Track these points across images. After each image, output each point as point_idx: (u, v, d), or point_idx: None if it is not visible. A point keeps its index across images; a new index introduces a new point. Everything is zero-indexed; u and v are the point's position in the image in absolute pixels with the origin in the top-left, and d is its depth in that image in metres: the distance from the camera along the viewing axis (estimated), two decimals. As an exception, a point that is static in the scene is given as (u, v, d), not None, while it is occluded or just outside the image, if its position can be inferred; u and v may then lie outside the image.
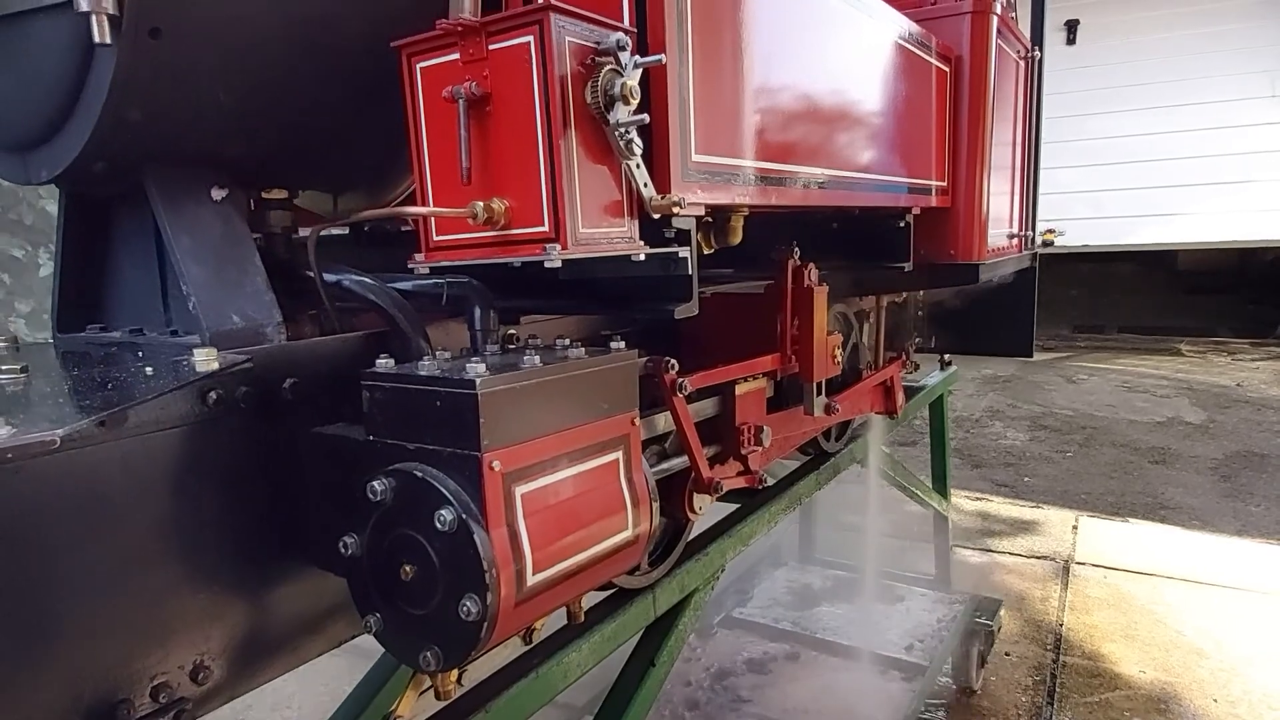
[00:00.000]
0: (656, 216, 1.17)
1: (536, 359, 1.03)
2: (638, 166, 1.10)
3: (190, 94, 1.13)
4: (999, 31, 2.59)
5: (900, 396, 2.74)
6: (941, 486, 4.03)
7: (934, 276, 2.54)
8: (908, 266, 2.23)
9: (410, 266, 1.18)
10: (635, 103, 1.04)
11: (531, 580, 1.00)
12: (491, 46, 1.00)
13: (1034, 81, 3.09)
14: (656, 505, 1.25)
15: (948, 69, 2.40)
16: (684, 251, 1.26)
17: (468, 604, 0.94)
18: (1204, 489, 6.65)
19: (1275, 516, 6.01)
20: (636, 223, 1.20)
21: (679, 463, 1.60)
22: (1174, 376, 10.10)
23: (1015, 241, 3.05)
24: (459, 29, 1.00)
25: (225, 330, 1.13)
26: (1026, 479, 6.90)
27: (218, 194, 1.19)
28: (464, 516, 0.94)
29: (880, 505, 3.96)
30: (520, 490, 0.99)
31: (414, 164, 1.13)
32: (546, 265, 1.03)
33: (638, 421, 1.20)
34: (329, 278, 1.26)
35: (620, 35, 1.05)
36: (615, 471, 1.15)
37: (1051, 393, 9.68)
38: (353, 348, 1.22)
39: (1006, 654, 4.09)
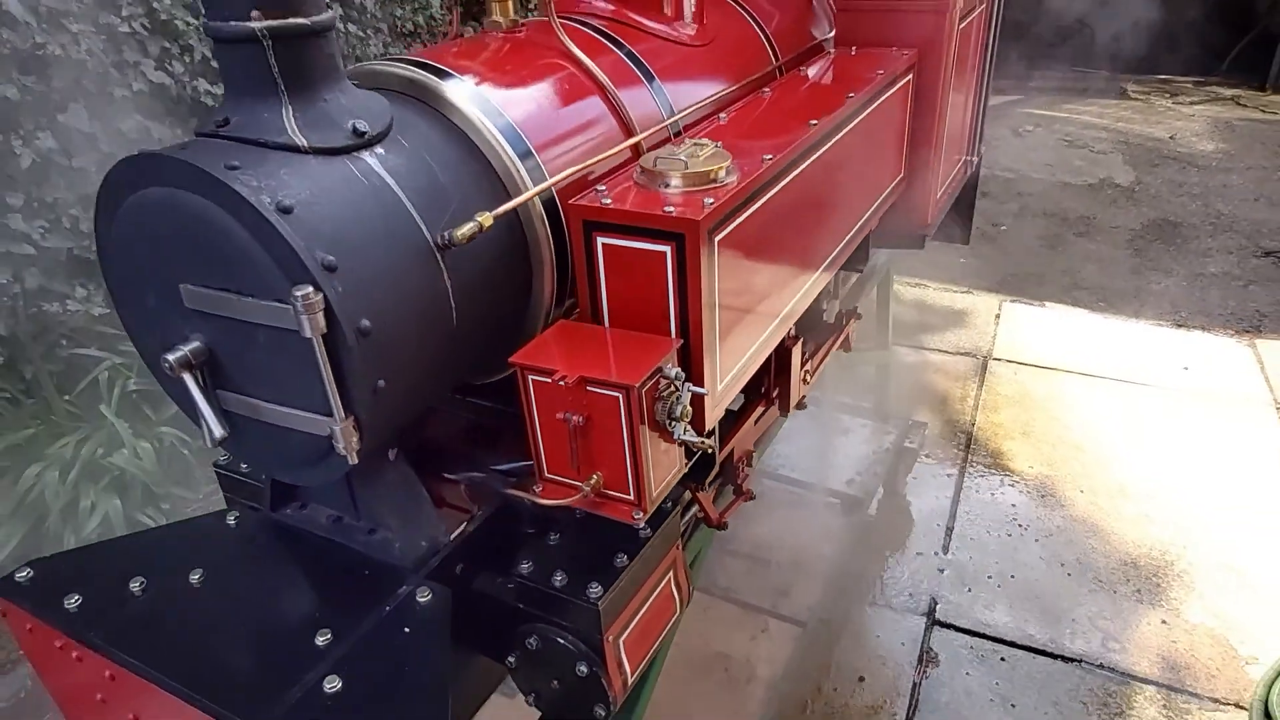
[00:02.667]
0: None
1: (625, 558, 1.61)
2: (688, 438, 1.58)
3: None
4: (964, 4, 2.76)
5: (853, 336, 3.24)
6: (883, 340, 4.71)
7: (882, 240, 2.96)
8: (864, 268, 2.68)
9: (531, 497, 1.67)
10: (689, 418, 1.50)
11: (630, 680, 1.67)
12: (591, 390, 1.43)
13: (995, 13, 3.24)
14: (690, 590, 1.91)
15: (910, 75, 2.63)
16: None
17: (600, 710, 1.62)
18: (1116, 265, 7.43)
19: (1170, 295, 6.88)
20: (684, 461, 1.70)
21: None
22: (1114, 128, 10.48)
23: (962, 165, 3.41)
24: (566, 380, 1.42)
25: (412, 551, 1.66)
26: (961, 260, 7.59)
27: (391, 454, 1.62)
28: (594, 669, 1.58)
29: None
30: (622, 639, 1.62)
31: (530, 441, 1.58)
32: (640, 530, 1.58)
33: (679, 547, 1.80)
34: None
35: (678, 370, 1.47)
36: (669, 589, 1.78)
37: (998, 150, 10.05)
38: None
39: (928, 456, 5.06)
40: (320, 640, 1.43)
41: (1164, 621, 3.90)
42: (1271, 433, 5.11)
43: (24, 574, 1.62)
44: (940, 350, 6.20)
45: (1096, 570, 4.21)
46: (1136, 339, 6.24)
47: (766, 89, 2.26)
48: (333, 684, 1.34)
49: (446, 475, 1.87)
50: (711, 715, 3.57)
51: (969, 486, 4.81)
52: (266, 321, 1.29)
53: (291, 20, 1.30)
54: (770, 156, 1.70)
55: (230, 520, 1.75)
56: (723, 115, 2.02)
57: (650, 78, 1.97)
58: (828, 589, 4.13)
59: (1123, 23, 11.55)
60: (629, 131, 1.85)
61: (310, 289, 1.21)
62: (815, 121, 1.91)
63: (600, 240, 1.55)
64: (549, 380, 1.45)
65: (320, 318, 1.22)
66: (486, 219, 1.43)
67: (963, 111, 3.20)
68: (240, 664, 1.41)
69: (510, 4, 1.86)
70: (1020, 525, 4.52)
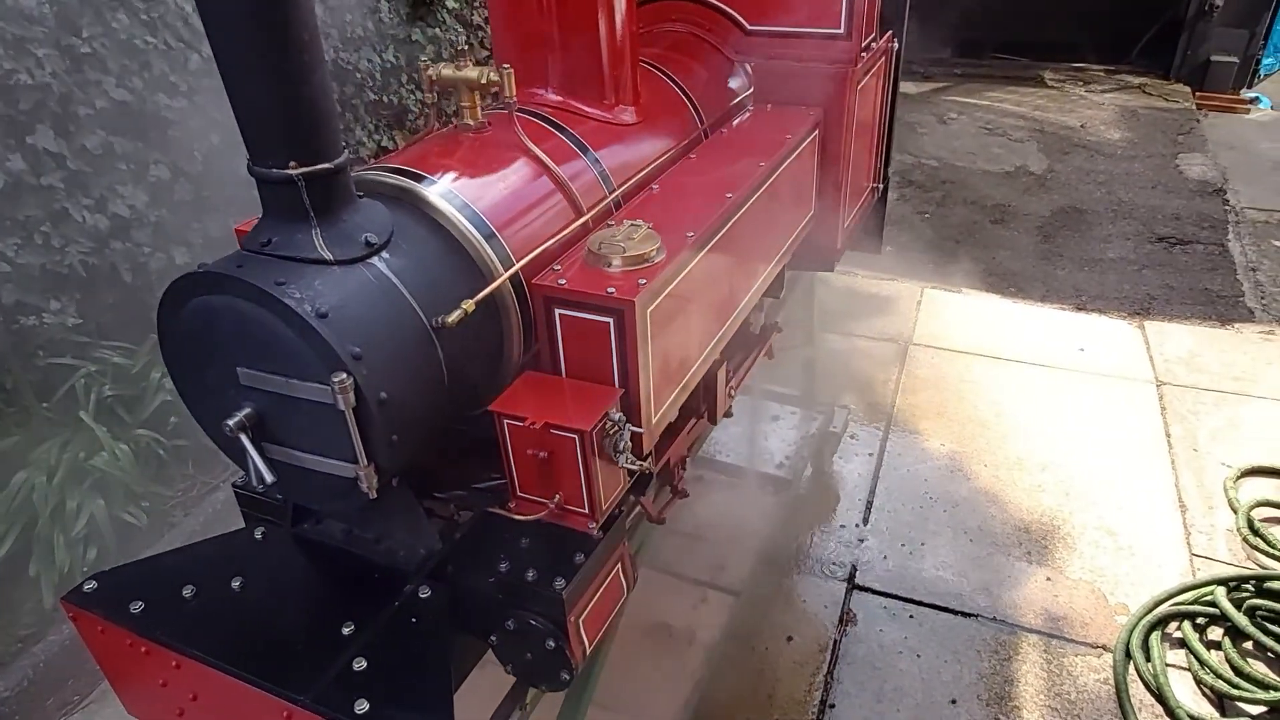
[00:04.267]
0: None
1: (582, 556, 2.04)
2: (629, 465, 2.02)
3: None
4: (862, 68, 3.19)
5: (774, 345, 3.68)
6: (809, 336, 5.20)
7: (797, 265, 3.41)
8: (780, 295, 3.13)
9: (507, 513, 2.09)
10: (630, 449, 1.93)
11: (588, 650, 2.12)
12: (554, 433, 1.85)
13: (893, 66, 3.69)
14: (635, 576, 2.35)
15: (818, 129, 3.07)
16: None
17: (565, 674, 2.06)
18: (1027, 251, 8.07)
19: (1074, 280, 7.54)
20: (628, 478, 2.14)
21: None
22: (1031, 116, 11.13)
23: (869, 192, 3.88)
24: (534, 425, 1.84)
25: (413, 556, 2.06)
26: (889, 248, 8.11)
27: (394, 481, 2.02)
28: (560, 644, 2.01)
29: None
30: (582, 619, 2.06)
31: (505, 468, 2.00)
32: (593, 535, 2.02)
33: (625, 543, 2.26)
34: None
35: (620, 414, 1.91)
36: (618, 576, 2.22)
37: (924, 138, 10.63)
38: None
39: (853, 437, 5.61)
40: (345, 630, 1.84)
41: (1048, 579, 4.52)
42: (1150, 408, 5.78)
43: (90, 585, 2.00)
44: (866, 336, 6.75)
45: (994, 536, 4.80)
46: (1041, 322, 6.87)
47: (693, 154, 2.68)
48: (359, 664, 1.76)
49: (436, 494, 2.28)
50: (658, 674, 4.07)
51: (888, 464, 5.38)
52: (308, 396, 1.68)
53: (319, 166, 1.68)
54: (692, 234, 2.13)
55: (258, 535, 2.14)
56: (655, 185, 2.44)
57: (593, 158, 2.37)
58: (759, 561, 4.65)
59: (1042, 9, 12.20)
60: (575, 205, 2.26)
61: (344, 375, 1.60)
62: (731, 194, 2.34)
63: (558, 311, 1.97)
64: (521, 424, 1.88)
65: (351, 395, 1.62)
66: (469, 305, 1.83)
67: (868, 151, 3.66)
68: (282, 650, 1.81)
69: (478, 109, 2.24)
70: (931, 497, 5.10)
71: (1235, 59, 10.99)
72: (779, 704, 3.92)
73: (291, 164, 1.64)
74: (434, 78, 2.18)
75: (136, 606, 1.91)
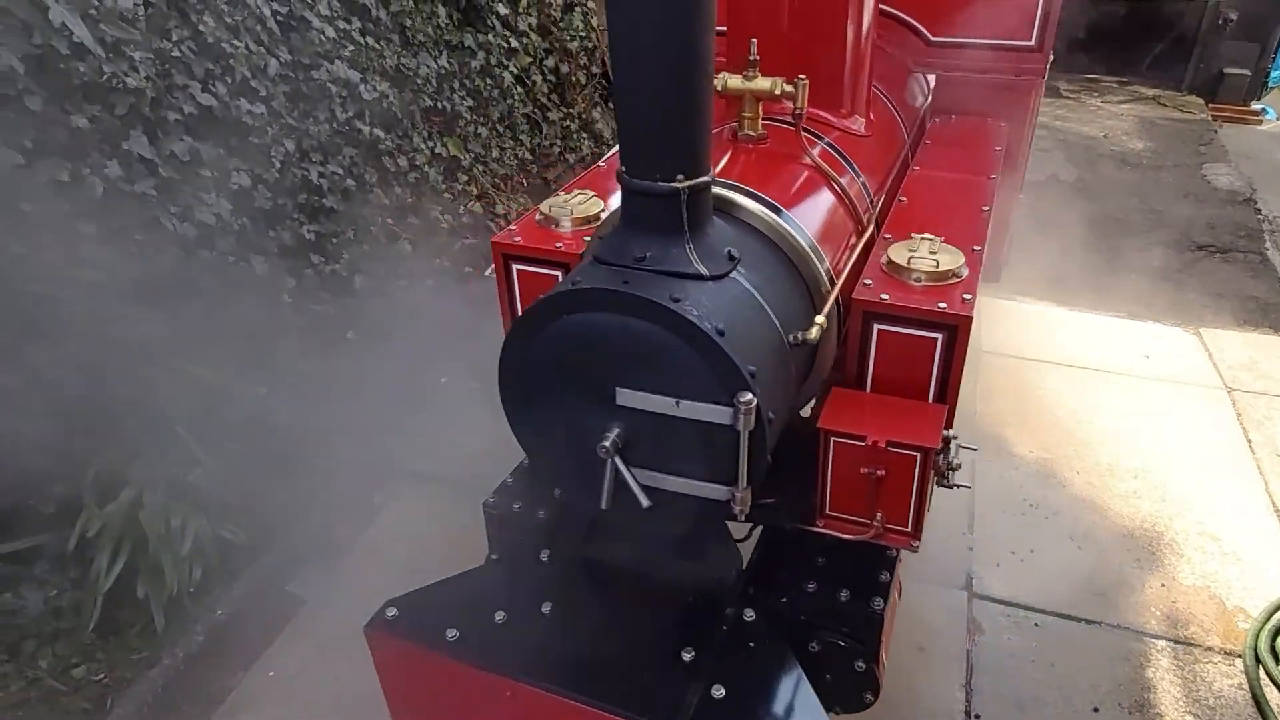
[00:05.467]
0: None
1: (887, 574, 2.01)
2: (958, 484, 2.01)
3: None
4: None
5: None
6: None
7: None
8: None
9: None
10: (959, 468, 1.91)
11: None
12: (889, 450, 1.81)
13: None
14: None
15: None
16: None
17: (869, 696, 2.02)
18: (1072, 259, 8.18)
19: (1122, 289, 7.66)
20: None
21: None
22: (1053, 125, 11.31)
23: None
24: (876, 443, 1.80)
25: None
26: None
27: None
28: (870, 665, 1.97)
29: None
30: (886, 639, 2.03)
31: (818, 486, 1.96)
32: (913, 549, 1.98)
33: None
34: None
35: (953, 432, 1.90)
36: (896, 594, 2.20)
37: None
38: None
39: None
40: (686, 656, 1.78)
41: (1163, 585, 4.56)
42: (1225, 414, 5.87)
43: (391, 612, 1.91)
44: (933, 345, 6.76)
45: (1099, 543, 4.84)
46: (1099, 330, 6.96)
47: (915, 165, 2.66)
48: (718, 691, 1.70)
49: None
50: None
51: (980, 471, 5.39)
52: (701, 418, 1.62)
53: (700, 179, 1.63)
54: (978, 248, 2.12)
55: (544, 557, 2.06)
56: (903, 197, 2.41)
57: (854, 169, 2.34)
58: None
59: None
60: (854, 217, 2.23)
61: (750, 396, 1.55)
62: (986, 207, 2.32)
63: (877, 326, 1.93)
64: (855, 443, 1.83)
65: (753, 416, 1.57)
66: (821, 320, 1.79)
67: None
68: (628, 676, 1.74)
69: (760, 120, 2.19)
70: (1030, 504, 5.12)
71: (1247, 71, 11.28)
72: (926, 714, 3.90)
73: (679, 177, 1.58)
74: (720, 89, 2.12)
75: (452, 634, 1.83)
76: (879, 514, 1.92)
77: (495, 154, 7.95)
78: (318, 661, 4.23)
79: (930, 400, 1.96)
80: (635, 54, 1.49)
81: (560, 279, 2.05)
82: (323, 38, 5.75)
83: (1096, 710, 3.92)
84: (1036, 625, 4.33)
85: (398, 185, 6.65)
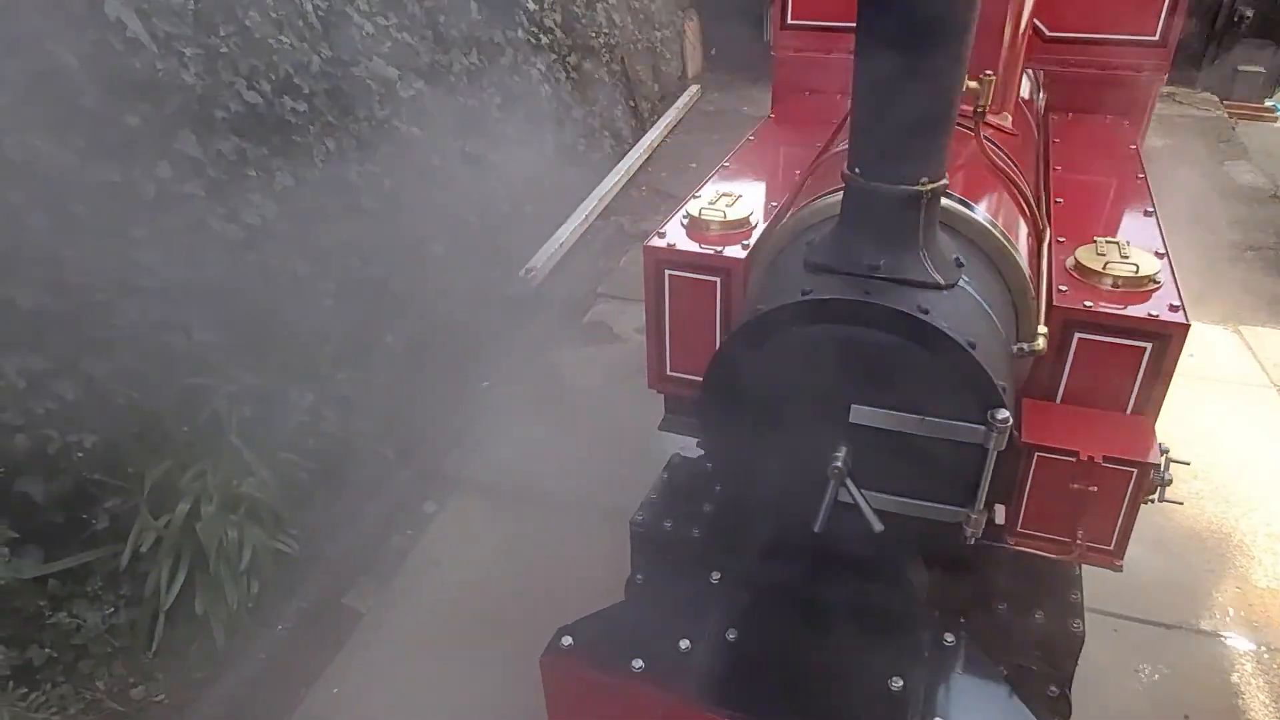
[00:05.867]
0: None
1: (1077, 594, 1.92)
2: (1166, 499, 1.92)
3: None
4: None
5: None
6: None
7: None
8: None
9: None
10: (1171, 483, 1.82)
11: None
12: (1103, 465, 1.72)
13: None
14: None
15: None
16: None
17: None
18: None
19: None
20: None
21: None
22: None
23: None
24: (1092, 459, 1.71)
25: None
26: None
27: None
28: (1064, 690, 1.88)
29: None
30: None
31: (1015, 502, 1.86)
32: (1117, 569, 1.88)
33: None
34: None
35: (1165, 444, 1.80)
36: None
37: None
38: None
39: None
40: (894, 685, 1.67)
41: (1238, 588, 4.49)
42: (1276, 413, 5.83)
43: (566, 640, 1.79)
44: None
45: (1169, 546, 4.76)
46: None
47: (1057, 166, 2.56)
48: (939, 725, 1.60)
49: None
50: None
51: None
52: (948, 436, 1.51)
53: (939, 183, 1.52)
54: (1161, 251, 2.02)
55: (714, 579, 1.95)
56: (1059, 198, 2.32)
57: (1016, 168, 2.24)
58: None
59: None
60: (1029, 218, 2.13)
61: (1005, 413, 1.45)
62: (1150, 209, 2.23)
63: (1077, 335, 1.83)
64: (1065, 458, 1.73)
65: (1006, 435, 1.46)
66: (1043, 331, 1.69)
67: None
68: (841, 709, 1.63)
69: None
70: (1094, 507, 5.06)
71: (1262, 69, 11.29)
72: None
73: (923, 179, 1.47)
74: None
75: (638, 665, 1.72)
76: (1081, 532, 1.83)
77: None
78: (382, 677, 4.10)
79: (1129, 411, 1.86)
80: (890, 44, 1.37)
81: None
82: (362, 34, 5.60)
83: (1187, 717, 3.84)
84: (1115, 631, 4.25)
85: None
